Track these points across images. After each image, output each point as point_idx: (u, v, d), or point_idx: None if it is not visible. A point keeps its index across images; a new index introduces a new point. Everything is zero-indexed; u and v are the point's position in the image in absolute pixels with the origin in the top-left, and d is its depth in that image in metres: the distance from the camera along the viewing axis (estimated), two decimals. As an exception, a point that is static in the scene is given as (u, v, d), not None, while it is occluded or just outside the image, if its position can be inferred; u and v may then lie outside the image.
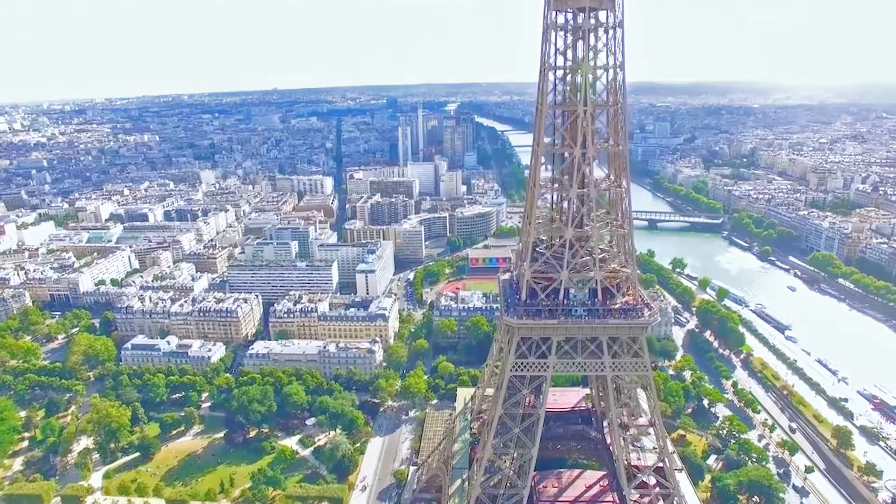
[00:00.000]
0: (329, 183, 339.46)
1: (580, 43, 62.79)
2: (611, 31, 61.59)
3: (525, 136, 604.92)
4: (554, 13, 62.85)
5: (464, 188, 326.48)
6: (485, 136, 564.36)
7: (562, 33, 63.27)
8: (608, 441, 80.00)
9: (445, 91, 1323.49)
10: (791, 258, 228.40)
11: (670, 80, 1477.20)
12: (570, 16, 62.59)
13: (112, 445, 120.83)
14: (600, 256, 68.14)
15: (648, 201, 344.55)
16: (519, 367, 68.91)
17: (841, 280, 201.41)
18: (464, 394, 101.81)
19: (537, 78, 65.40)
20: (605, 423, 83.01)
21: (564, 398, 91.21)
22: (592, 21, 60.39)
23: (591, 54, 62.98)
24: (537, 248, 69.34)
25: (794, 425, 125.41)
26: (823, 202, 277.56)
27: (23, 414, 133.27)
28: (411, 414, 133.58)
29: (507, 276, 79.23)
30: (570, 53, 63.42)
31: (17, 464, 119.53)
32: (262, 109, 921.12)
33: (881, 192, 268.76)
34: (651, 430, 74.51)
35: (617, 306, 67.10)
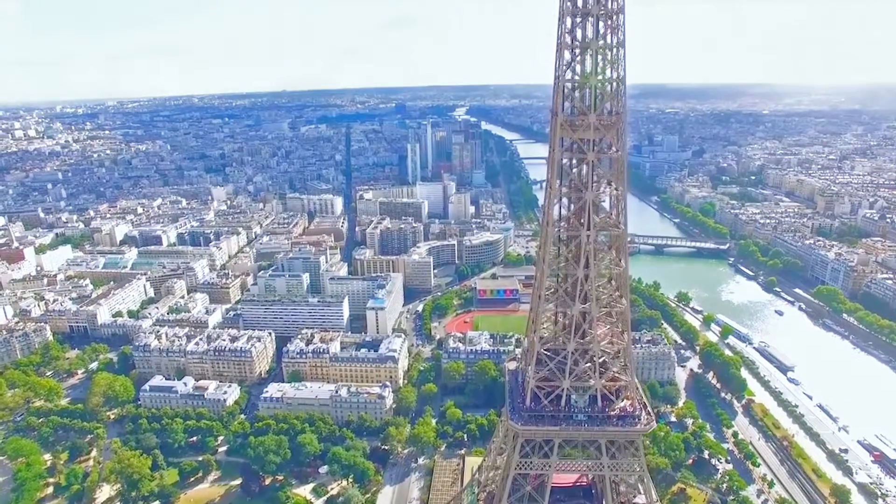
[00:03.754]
0: (339, 203, 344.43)
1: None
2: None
3: (533, 146, 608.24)
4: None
5: (472, 209, 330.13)
6: (493, 147, 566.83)
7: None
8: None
9: (454, 94, 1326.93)
10: (797, 290, 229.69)
11: (679, 82, 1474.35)
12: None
13: (133, 493, 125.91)
14: (601, 360, 71.72)
15: (656, 221, 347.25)
16: (522, 466, 72.78)
17: (845, 316, 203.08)
18: (471, 463, 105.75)
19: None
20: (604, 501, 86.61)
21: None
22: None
23: (596, 174, 66.16)
24: (541, 350, 73.01)
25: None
26: (830, 229, 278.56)
27: (47, 457, 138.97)
28: (420, 461, 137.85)
29: (513, 365, 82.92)
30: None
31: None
32: (272, 114, 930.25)
33: (888, 220, 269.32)
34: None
35: (615, 413, 70.76)
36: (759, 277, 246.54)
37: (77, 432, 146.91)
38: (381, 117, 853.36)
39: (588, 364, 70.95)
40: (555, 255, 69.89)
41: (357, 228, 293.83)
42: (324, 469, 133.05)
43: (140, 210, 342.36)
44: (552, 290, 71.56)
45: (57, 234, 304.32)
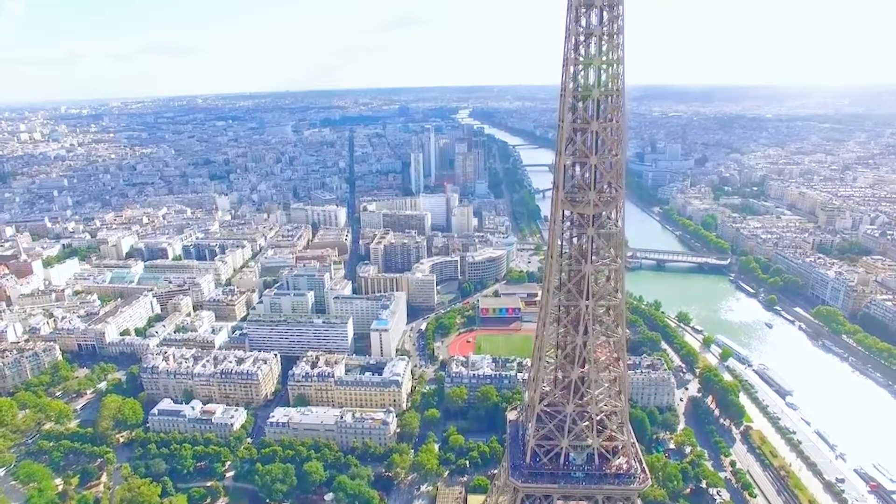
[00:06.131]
0: (342, 214, 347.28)
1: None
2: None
3: (536, 152, 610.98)
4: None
5: (475, 221, 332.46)
6: (496, 153, 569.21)
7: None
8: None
9: (457, 96, 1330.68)
10: (797, 309, 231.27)
11: (682, 83, 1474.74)
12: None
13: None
14: (598, 418, 74.17)
15: (657, 233, 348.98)
16: (524, 520, 75.38)
17: (844, 337, 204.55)
18: (473, 501, 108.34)
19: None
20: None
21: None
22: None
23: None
24: (541, 409, 75.47)
25: None
26: (831, 245, 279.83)
27: (58, 481, 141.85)
28: (423, 488, 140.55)
29: (513, 415, 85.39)
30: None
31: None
32: (275, 116, 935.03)
33: (888, 237, 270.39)
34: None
35: (612, 471, 73.28)
36: (760, 295, 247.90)
37: (87, 456, 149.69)
38: (385, 120, 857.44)
39: (586, 423, 73.44)
40: (555, 318, 72.34)
41: (361, 242, 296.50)
42: (329, 496, 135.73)
43: (146, 220, 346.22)
44: (551, 351, 74.05)
45: (64, 245, 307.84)
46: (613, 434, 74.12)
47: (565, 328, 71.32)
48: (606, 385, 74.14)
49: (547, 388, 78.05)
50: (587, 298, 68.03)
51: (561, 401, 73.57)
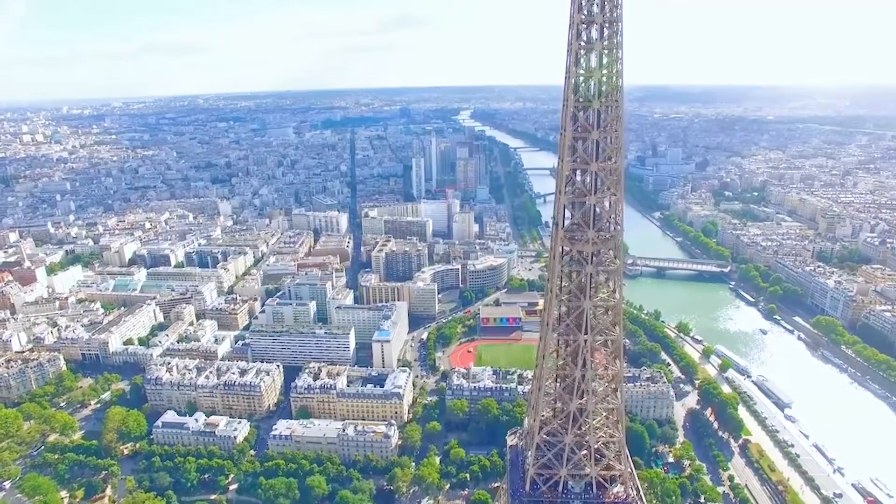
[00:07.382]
0: (344, 220, 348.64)
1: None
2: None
3: (537, 155, 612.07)
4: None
5: (476, 227, 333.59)
6: (497, 156, 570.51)
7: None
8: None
9: (458, 96, 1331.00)
10: (796, 318, 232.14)
11: (684, 83, 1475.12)
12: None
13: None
14: (596, 447, 75.50)
15: (658, 239, 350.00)
16: (524, 547, 76.77)
17: (844, 348, 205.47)
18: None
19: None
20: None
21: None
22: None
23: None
24: (540, 439, 76.82)
25: None
26: (831, 252, 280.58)
27: (63, 494, 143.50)
28: (424, 502, 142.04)
29: (513, 440, 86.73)
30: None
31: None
32: (277, 117, 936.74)
33: (888, 245, 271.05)
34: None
35: (610, 499, 74.67)
36: (760, 304, 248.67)
37: (92, 469, 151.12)
38: (386, 121, 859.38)
39: (584, 452, 74.80)
40: (553, 349, 73.68)
41: (363, 248, 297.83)
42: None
43: (148, 225, 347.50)
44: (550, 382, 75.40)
45: (67, 251, 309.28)
46: (611, 463, 75.49)
47: (564, 360, 72.71)
48: (604, 415, 75.49)
49: (545, 416, 79.32)
50: (586, 333, 69.38)
51: (560, 430, 74.93)
